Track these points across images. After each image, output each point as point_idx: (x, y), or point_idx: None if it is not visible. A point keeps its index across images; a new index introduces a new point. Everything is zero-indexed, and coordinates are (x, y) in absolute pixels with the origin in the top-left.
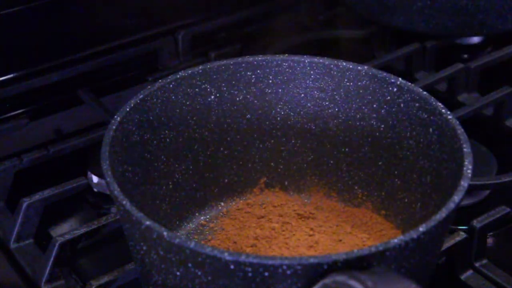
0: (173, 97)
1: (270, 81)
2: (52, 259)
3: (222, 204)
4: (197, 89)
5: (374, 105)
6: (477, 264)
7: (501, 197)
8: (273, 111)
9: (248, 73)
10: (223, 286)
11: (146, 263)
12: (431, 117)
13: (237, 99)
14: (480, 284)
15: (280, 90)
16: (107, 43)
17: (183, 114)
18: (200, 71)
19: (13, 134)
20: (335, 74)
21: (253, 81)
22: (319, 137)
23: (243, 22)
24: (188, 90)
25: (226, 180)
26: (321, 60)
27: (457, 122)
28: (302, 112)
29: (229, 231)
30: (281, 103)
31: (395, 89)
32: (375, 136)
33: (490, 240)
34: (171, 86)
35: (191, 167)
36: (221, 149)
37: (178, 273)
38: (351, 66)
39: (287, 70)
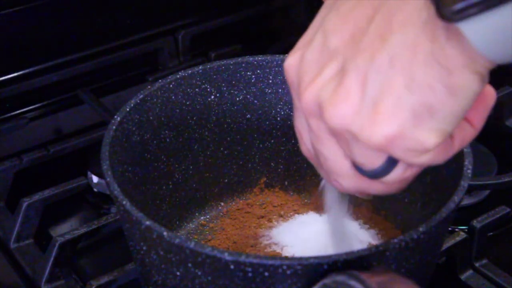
0: (173, 97)
1: (270, 81)
2: (52, 259)
3: (222, 204)
4: (197, 89)
5: None
6: (477, 264)
7: (501, 197)
8: (273, 111)
9: (248, 73)
10: (223, 286)
11: (146, 263)
12: None
13: (237, 99)
14: (480, 284)
15: (280, 90)
16: (107, 43)
17: (183, 114)
18: (200, 71)
19: (13, 134)
20: None
21: (253, 81)
22: None
23: (243, 22)
24: (188, 90)
25: (226, 180)
26: None
27: None
28: None
29: (229, 231)
30: (281, 103)
31: None
32: None
33: (490, 240)
34: (171, 86)
35: (191, 167)
36: (221, 149)
37: (178, 273)
38: None
39: None
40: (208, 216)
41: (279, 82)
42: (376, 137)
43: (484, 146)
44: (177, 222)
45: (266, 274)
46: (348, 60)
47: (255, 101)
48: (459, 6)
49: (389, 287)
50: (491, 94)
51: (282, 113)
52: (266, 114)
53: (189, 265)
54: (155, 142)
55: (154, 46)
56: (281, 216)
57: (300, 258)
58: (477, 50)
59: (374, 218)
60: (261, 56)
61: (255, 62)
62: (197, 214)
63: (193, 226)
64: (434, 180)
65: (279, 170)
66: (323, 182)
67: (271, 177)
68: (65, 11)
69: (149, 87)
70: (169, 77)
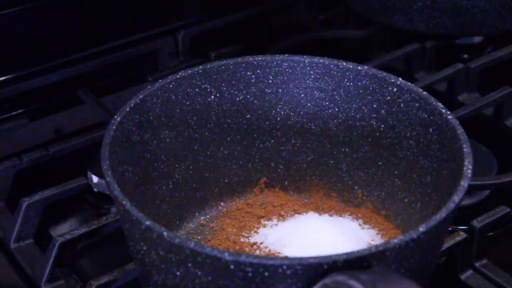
0: (173, 97)
1: (270, 81)
2: (52, 259)
3: (222, 204)
4: (197, 89)
5: (374, 105)
6: (477, 264)
7: (501, 197)
8: (273, 111)
9: (248, 73)
10: (223, 286)
11: (146, 263)
12: (431, 117)
13: (237, 99)
14: (480, 284)
15: (280, 90)
16: (107, 43)
17: (183, 114)
18: (200, 71)
19: (13, 134)
20: (335, 74)
21: (253, 81)
22: (319, 137)
23: (243, 22)
24: (188, 90)
25: (226, 180)
26: (321, 60)
27: (457, 122)
28: (302, 112)
29: (229, 231)
30: (281, 103)
31: (395, 89)
32: (375, 136)
33: (490, 240)
34: (171, 86)
35: (191, 167)
36: (221, 149)
37: (178, 273)
38: (351, 66)
39: (287, 70)
40: (208, 216)
41: (279, 82)
42: None
43: (484, 146)
44: (177, 222)
45: (266, 274)
46: None
47: (255, 101)
48: None
49: (389, 287)
50: None
51: (282, 113)
52: (266, 114)
53: (189, 265)
54: (155, 142)
55: (154, 46)
56: (281, 216)
57: (300, 258)
58: None
59: (374, 218)
60: (261, 56)
61: (255, 62)
62: (197, 214)
63: (193, 226)
64: (434, 180)
65: (279, 170)
66: None
67: (271, 177)
68: (65, 11)
69: (149, 87)
70: (169, 77)
